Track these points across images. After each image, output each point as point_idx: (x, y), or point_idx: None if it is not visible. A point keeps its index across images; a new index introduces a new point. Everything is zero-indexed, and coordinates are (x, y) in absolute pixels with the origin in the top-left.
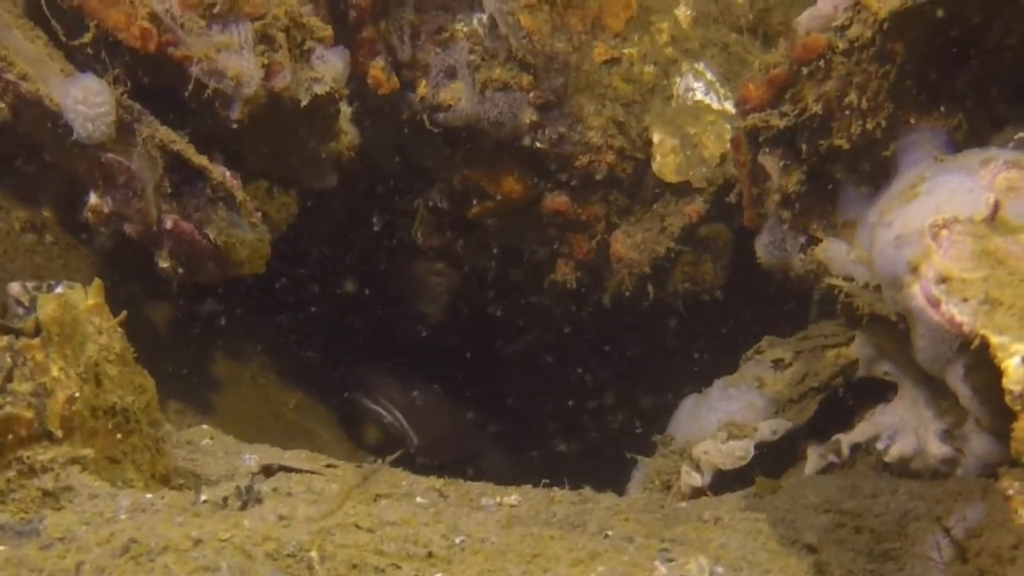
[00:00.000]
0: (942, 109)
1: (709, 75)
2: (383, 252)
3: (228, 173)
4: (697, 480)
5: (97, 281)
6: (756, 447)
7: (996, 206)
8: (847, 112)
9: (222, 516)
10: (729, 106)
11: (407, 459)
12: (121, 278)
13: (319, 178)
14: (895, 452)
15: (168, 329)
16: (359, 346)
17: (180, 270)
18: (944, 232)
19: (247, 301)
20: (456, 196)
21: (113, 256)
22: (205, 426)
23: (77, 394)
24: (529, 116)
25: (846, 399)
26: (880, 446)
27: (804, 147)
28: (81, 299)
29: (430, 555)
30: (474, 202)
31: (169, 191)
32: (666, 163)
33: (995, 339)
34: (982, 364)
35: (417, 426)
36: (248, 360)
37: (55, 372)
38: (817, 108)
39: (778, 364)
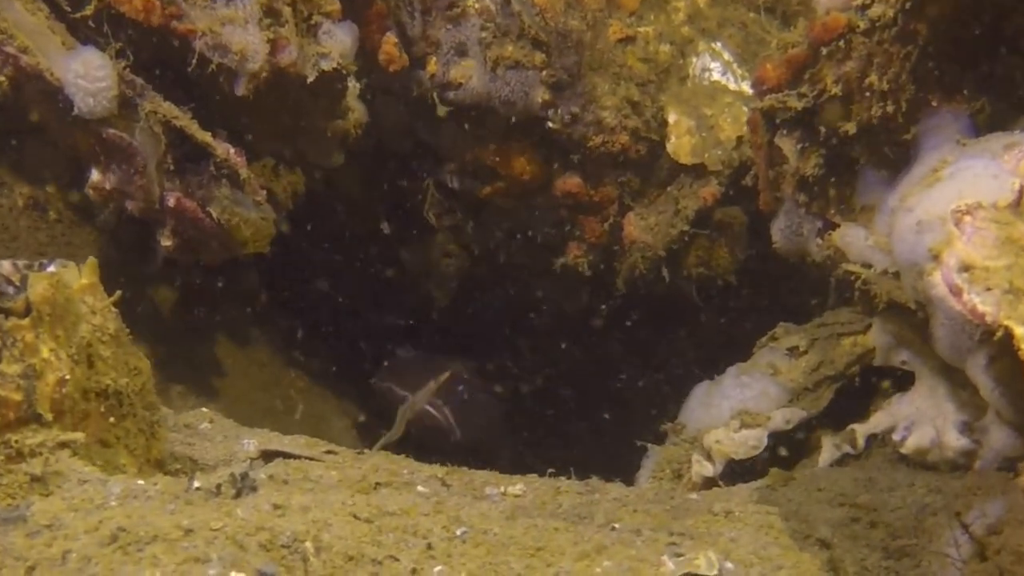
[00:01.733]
0: (965, 92)
1: (726, 55)
2: (393, 233)
3: (232, 150)
4: (709, 470)
5: (92, 259)
6: (769, 436)
7: (1021, 192)
8: (867, 94)
9: (215, 504)
10: (746, 87)
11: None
12: (125, 257)
13: (326, 156)
14: (912, 443)
15: (173, 310)
16: (368, 329)
17: (182, 249)
18: (967, 218)
19: (253, 281)
20: (467, 176)
21: (117, 234)
22: (204, 409)
23: (68, 376)
24: (541, 95)
25: (862, 388)
26: (897, 437)
27: (822, 129)
28: (74, 278)
29: (429, 547)
30: (485, 183)
31: (172, 168)
32: (681, 144)
33: (1019, 330)
34: (1005, 355)
35: (462, 422)
36: (254, 343)
37: (45, 353)
38: (836, 89)
39: (793, 352)
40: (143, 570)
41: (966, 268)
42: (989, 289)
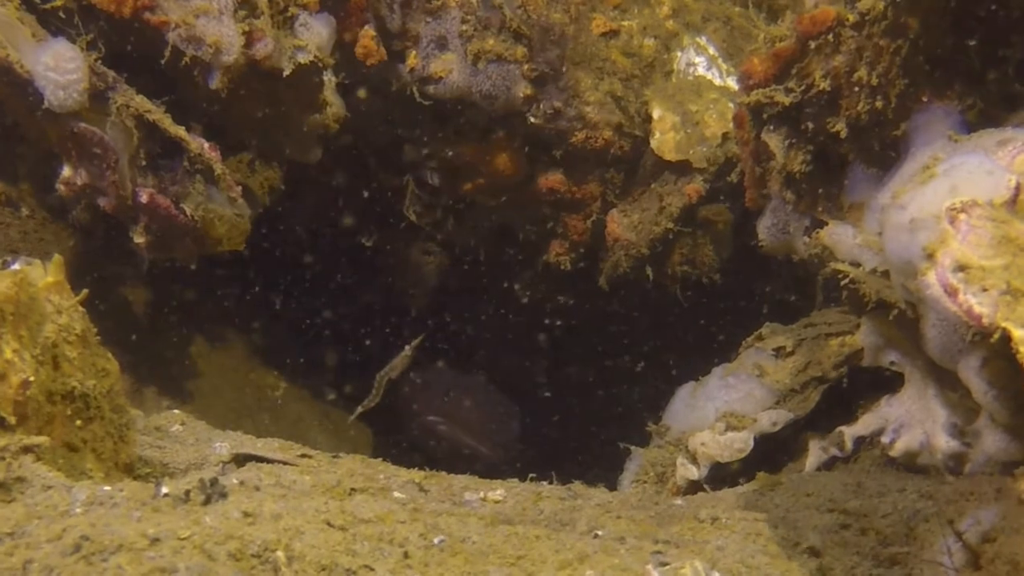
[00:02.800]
0: (956, 87)
1: (711, 50)
2: (371, 232)
3: (207, 145)
4: (693, 473)
5: (57, 257)
6: (755, 439)
7: (1018, 189)
8: (856, 89)
9: (183, 512)
10: (732, 82)
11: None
12: (99, 255)
13: (303, 151)
14: (901, 446)
15: (148, 310)
16: (346, 328)
17: (156, 247)
18: (962, 216)
19: (229, 280)
20: (447, 173)
21: (91, 232)
22: (176, 411)
23: (32, 378)
24: (523, 89)
25: (850, 390)
26: (885, 440)
27: (810, 125)
28: (40, 276)
29: (406, 556)
30: (466, 179)
31: (145, 163)
32: (665, 140)
33: (1017, 332)
34: (1000, 357)
35: (502, 449)
36: (231, 344)
37: (8, 354)
38: (825, 84)
39: (779, 352)
40: None
41: (962, 268)
42: (986, 290)
